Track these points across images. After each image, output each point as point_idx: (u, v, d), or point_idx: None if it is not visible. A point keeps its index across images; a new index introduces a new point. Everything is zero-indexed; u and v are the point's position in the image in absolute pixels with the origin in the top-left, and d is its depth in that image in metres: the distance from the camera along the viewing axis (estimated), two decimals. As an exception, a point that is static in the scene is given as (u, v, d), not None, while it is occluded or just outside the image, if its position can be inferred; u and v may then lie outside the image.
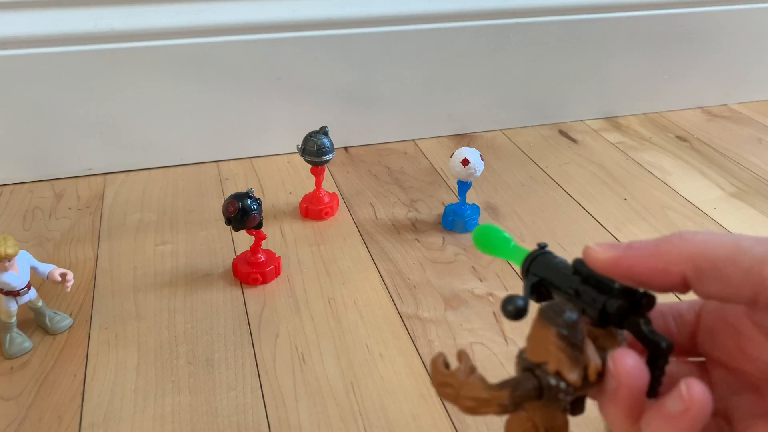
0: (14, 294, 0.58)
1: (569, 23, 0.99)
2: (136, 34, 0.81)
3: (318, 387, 0.57)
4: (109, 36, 0.80)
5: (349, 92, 0.93)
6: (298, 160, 0.92)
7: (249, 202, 0.64)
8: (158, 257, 0.72)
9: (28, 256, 0.59)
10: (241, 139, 0.92)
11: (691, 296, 0.28)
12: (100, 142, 0.86)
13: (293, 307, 0.66)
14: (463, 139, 1.02)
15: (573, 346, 0.26)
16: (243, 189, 0.69)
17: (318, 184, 0.80)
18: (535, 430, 0.29)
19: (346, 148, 0.97)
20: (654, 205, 0.85)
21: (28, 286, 0.59)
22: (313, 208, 0.79)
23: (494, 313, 0.65)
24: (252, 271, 0.67)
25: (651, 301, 0.28)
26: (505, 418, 0.31)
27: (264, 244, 0.69)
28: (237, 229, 0.65)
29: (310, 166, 0.78)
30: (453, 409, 0.55)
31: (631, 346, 0.28)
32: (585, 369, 0.26)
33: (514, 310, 0.28)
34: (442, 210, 0.82)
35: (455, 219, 0.78)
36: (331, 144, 0.75)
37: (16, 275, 0.57)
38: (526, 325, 0.29)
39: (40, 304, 0.61)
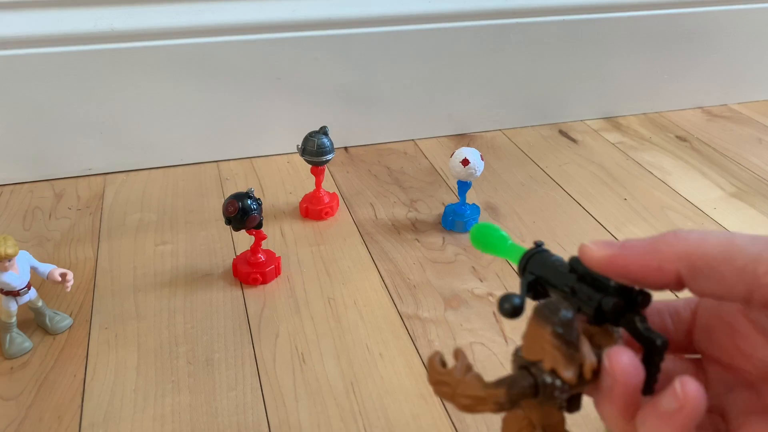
0: (14, 294, 0.58)
1: (569, 23, 0.99)
2: (136, 34, 0.81)
3: (318, 387, 0.57)
4: (109, 36, 0.80)
5: (349, 92, 0.94)
6: (298, 160, 0.92)
7: (249, 202, 0.64)
8: (158, 257, 0.72)
9: (28, 256, 0.59)
10: (241, 139, 0.92)
11: (687, 294, 0.28)
12: (100, 142, 0.86)
13: (293, 307, 0.66)
14: (463, 139, 1.02)
15: (568, 344, 0.26)
16: (243, 189, 0.69)
17: (318, 184, 0.80)
18: (531, 427, 0.29)
19: (346, 148, 0.97)
20: (654, 205, 0.85)
21: (28, 286, 0.59)
22: (313, 208, 0.79)
23: (494, 313, 0.65)
24: (252, 271, 0.68)
25: (646, 298, 0.28)
26: (502, 416, 0.31)
27: (264, 244, 0.70)
28: (237, 229, 0.65)
29: (310, 166, 0.78)
30: (453, 410, 0.55)
31: (627, 343, 0.28)
32: (580, 367, 0.27)
33: (510, 308, 0.28)
34: (442, 210, 0.82)
35: (455, 219, 0.78)
36: (331, 144, 0.76)
37: (16, 275, 0.57)
38: (525, 324, 0.29)
39: (40, 304, 0.61)
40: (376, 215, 0.81)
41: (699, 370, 0.31)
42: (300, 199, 0.81)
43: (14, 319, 0.59)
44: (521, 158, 0.96)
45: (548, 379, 0.27)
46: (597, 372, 0.27)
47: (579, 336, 0.27)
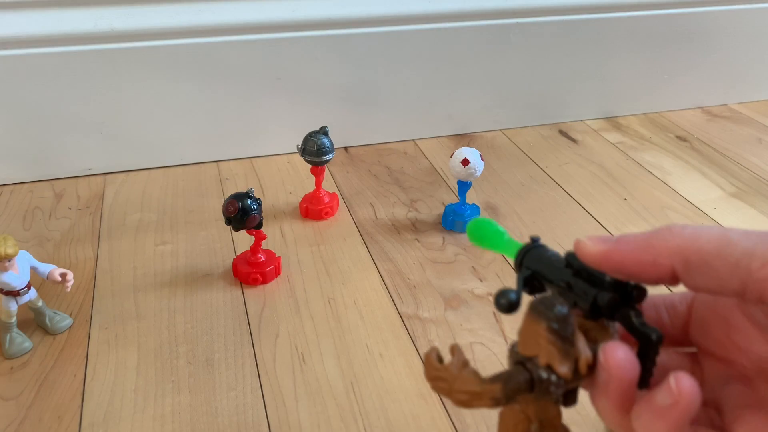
0: (14, 294, 0.58)
1: (569, 23, 0.99)
2: (136, 34, 0.81)
3: (318, 387, 0.57)
4: (109, 36, 0.80)
5: (349, 92, 0.94)
6: (298, 160, 0.92)
7: (249, 202, 0.64)
8: (158, 257, 0.72)
9: (28, 256, 0.60)
10: (241, 139, 0.92)
11: (683, 288, 0.28)
12: (100, 142, 0.86)
13: (293, 307, 0.66)
14: (463, 139, 1.02)
15: (563, 340, 0.26)
16: (243, 189, 0.69)
17: (318, 184, 0.80)
18: (528, 422, 0.29)
19: (346, 148, 0.97)
20: (654, 205, 0.85)
21: (28, 286, 0.59)
22: (313, 208, 0.79)
23: (494, 313, 0.65)
24: (252, 271, 0.68)
25: (642, 293, 0.28)
26: (499, 411, 0.31)
27: (264, 244, 0.70)
28: (237, 229, 0.65)
29: (310, 166, 0.78)
30: (453, 409, 0.55)
31: (622, 338, 0.28)
32: (576, 362, 0.27)
33: (506, 303, 0.28)
34: (442, 210, 0.82)
35: (455, 219, 0.78)
36: (331, 144, 0.76)
37: (16, 275, 0.58)
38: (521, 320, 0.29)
39: (40, 304, 0.61)
40: (376, 215, 0.81)
41: (695, 363, 0.31)
42: (300, 199, 0.82)
43: (14, 319, 0.59)
44: (521, 158, 0.96)
45: (544, 375, 0.27)
46: (592, 367, 0.27)
47: (574, 331, 0.27)
